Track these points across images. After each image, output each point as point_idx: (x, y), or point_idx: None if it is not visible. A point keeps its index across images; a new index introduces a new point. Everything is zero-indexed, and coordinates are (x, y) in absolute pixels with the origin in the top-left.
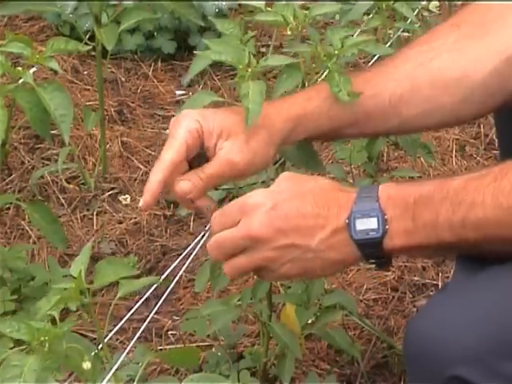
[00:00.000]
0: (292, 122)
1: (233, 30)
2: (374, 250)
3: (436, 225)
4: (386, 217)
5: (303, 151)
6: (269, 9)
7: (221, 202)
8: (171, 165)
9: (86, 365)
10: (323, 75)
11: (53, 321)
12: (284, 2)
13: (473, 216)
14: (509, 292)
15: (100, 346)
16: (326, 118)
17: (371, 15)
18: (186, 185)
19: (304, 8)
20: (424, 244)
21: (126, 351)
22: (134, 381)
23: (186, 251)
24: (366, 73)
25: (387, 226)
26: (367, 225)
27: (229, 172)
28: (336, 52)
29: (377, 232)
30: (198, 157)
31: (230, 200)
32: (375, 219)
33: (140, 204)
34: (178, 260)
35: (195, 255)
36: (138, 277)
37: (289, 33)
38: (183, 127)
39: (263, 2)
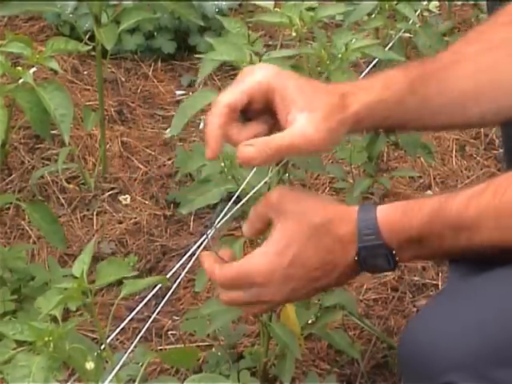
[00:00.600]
0: (367, 109)
1: (239, 29)
2: (386, 272)
3: (442, 247)
4: (394, 252)
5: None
6: (277, 9)
7: (221, 202)
8: (227, 108)
9: (90, 365)
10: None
11: (53, 321)
12: (292, 2)
13: (478, 239)
14: (502, 299)
15: (102, 346)
16: (398, 109)
17: (373, 15)
18: (250, 151)
19: (309, 9)
20: (432, 257)
21: (128, 352)
22: (134, 381)
23: (189, 253)
24: (425, 64)
25: (397, 258)
26: (377, 261)
27: (302, 147)
28: (340, 56)
29: (388, 265)
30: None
31: (230, 199)
32: (384, 257)
33: (206, 155)
34: (181, 261)
35: (195, 255)
36: (138, 277)
37: (294, 34)
38: (255, 76)
39: (272, 2)
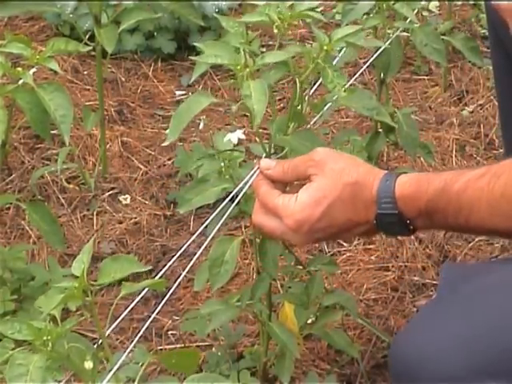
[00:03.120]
0: None
1: (238, 28)
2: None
3: (447, 224)
4: (407, 221)
5: (310, 142)
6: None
7: (220, 202)
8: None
9: (88, 364)
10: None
11: (52, 320)
12: (285, 2)
13: (473, 219)
14: (490, 312)
15: (101, 343)
16: None
17: (371, 15)
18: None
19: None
20: (443, 229)
21: (128, 351)
22: (133, 381)
23: (181, 250)
24: None
25: (411, 227)
26: (394, 227)
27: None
28: (325, 48)
29: (404, 229)
30: None
31: (227, 197)
32: (400, 224)
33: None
34: (174, 259)
35: (195, 254)
36: (138, 276)
37: (275, 31)
38: None
39: (273, 2)
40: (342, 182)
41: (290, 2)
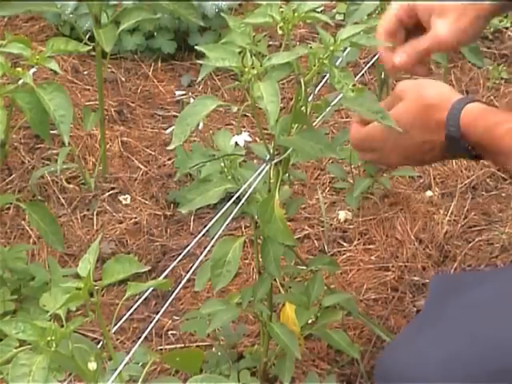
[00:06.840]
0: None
1: (244, 28)
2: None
3: (493, 161)
4: (469, 147)
5: (315, 142)
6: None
7: (221, 203)
8: (384, 31)
9: (92, 365)
10: (324, 75)
11: (56, 320)
12: (265, 2)
13: (510, 166)
14: (476, 330)
15: (104, 344)
16: None
17: (373, 15)
18: (403, 57)
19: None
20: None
21: (132, 353)
22: (135, 381)
23: (185, 251)
24: None
25: (474, 153)
26: (458, 149)
27: (438, 48)
28: (331, 48)
29: (467, 154)
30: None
31: (230, 199)
32: (462, 148)
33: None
34: (177, 260)
35: (195, 255)
36: (138, 277)
37: (280, 32)
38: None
39: (277, 2)
40: (422, 103)
41: (294, 3)
